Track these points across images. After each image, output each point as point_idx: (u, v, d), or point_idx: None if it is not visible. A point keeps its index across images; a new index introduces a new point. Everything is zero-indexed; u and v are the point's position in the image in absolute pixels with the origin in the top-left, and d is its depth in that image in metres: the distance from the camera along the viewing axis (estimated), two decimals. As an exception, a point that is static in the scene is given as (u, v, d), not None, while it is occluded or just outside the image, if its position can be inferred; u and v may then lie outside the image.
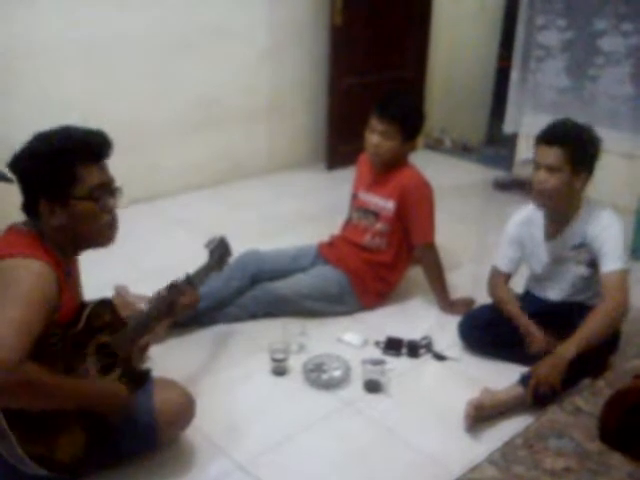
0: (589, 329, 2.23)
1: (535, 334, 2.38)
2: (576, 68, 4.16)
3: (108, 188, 1.75)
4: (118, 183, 1.79)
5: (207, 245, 2.34)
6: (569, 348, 2.20)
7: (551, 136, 2.30)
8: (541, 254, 2.48)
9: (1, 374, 1.42)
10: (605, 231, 2.31)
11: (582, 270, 2.40)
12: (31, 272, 1.57)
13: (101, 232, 1.77)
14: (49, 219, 1.68)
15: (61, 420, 1.63)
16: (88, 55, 3.54)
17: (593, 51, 4.05)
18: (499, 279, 2.60)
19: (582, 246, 2.37)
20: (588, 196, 2.40)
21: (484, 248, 3.51)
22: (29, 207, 1.71)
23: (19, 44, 3.30)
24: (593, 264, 2.36)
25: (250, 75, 4.29)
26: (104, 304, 1.80)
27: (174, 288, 2.03)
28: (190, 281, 2.11)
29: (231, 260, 2.76)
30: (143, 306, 2.05)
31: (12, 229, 1.72)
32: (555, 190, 2.29)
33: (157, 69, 3.84)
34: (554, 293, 2.50)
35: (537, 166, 2.33)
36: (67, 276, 1.74)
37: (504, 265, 2.60)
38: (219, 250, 2.36)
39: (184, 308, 2.07)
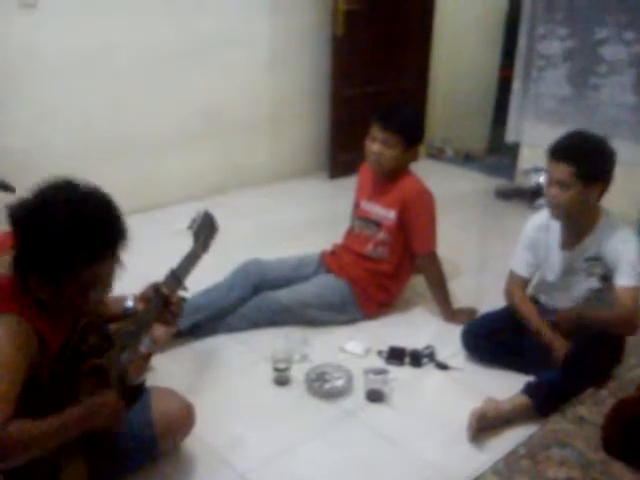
0: (600, 313, 2.35)
1: (561, 349, 2.34)
2: (578, 77, 4.16)
3: (105, 278, 1.60)
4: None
5: (190, 226, 2.15)
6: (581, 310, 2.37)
7: (559, 152, 2.25)
8: (555, 263, 2.45)
9: None
10: (622, 246, 2.29)
11: (594, 283, 2.38)
12: (7, 331, 1.47)
13: (88, 308, 1.64)
14: (36, 290, 1.53)
15: (62, 455, 1.61)
16: (89, 65, 3.55)
17: (595, 60, 4.05)
18: (517, 285, 2.54)
19: (596, 259, 2.34)
20: (607, 209, 2.36)
21: (486, 257, 3.51)
22: (19, 266, 1.53)
23: (19, 53, 3.31)
24: (605, 278, 2.35)
25: (252, 85, 4.31)
26: (87, 328, 1.69)
27: (158, 290, 1.90)
28: (175, 275, 1.96)
29: (233, 269, 2.75)
30: (131, 303, 1.95)
31: None
32: (567, 205, 2.26)
33: (159, 79, 3.85)
34: (563, 302, 2.47)
35: (549, 180, 2.29)
36: (54, 325, 1.61)
37: (523, 270, 2.53)
38: (204, 231, 2.16)
39: (175, 308, 1.94)
